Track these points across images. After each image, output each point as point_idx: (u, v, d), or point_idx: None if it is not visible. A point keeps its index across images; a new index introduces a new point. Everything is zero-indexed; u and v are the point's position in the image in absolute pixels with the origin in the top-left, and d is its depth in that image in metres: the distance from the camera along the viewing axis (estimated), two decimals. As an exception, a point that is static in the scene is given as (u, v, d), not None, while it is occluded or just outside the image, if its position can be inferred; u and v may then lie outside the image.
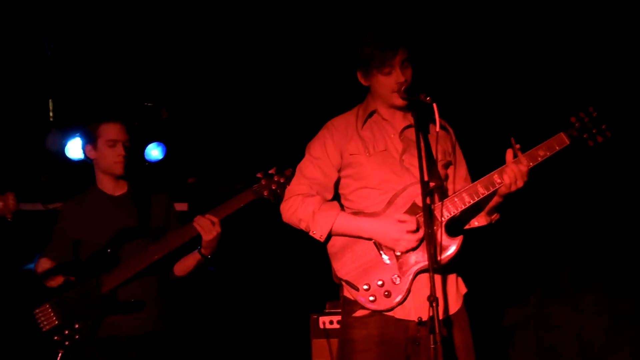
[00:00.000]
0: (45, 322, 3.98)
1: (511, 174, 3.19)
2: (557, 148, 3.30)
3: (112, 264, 4.01)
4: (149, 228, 4.13)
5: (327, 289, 5.34)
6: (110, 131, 4.13)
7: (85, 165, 5.74)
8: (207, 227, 3.97)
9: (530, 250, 5.72)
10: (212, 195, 5.87)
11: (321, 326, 4.94)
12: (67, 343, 3.94)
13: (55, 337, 3.95)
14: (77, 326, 3.96)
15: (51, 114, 6.04)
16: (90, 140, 4.17)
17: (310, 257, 5.67)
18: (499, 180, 3.23)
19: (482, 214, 3.38)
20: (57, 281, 4.01)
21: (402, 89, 3.27)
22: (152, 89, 6.02)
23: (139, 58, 5.79)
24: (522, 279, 5.72)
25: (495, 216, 3.42)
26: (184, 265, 4.24)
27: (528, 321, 5.77)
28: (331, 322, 4.93)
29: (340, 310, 4.83)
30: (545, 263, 5.76)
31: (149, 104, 5.98)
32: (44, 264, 4.05)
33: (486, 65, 5.41)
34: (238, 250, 4.20)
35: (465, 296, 3.42)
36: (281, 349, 5.83)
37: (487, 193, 3.25)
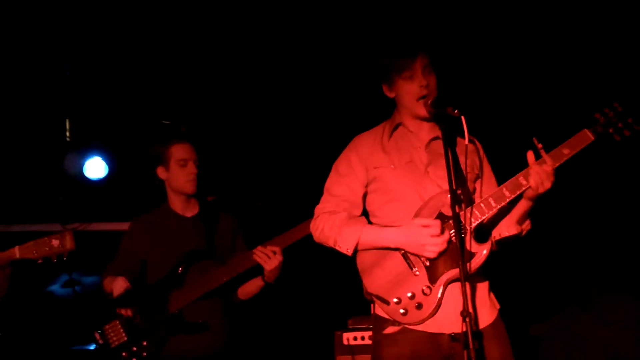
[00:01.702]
0: (114, 338, 4.06)
1: (536, 176, 3.10)
2: (582, 145, 3.20)
3: (180, 285, 4.10)
4: (216, 250, 4.22)
5: (350, 306, 5.33)
6: (181, 151, 4.23)
7: (103, 185, 5.81)
8: (266, 258, 4.10)
9: (557, 262, 5.66)
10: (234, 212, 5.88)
11: (345, 342, 4.89)
12: None
13: (123, 354, 4.04)
14: (144, 344, 4.04)
15: (68, 133, 6.04)
16: (161, 161, 4.26)
17: (335, 274, 5.70)
18: (524, 182, 3.15)
19: (513, 222, 3.28)
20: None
21: (429, 102, 3.24)
22: (170, 106, 6.02)
23: (155, 76, 5.78)
24: (548, 291, 5.65)
25: (526, 225, 3.33)
26: (247, 290, 4.37)
27: (554, 334, 5.68)
28: (355, 339, 4.88)
29: (364, 326, 4.93)
30: (572, 275, 5.69)
31: (167, 122, 5.98)
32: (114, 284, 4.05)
33: (504, 67, 5.39)
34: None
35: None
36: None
37: (513, 196, 3.18)
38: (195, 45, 5.59)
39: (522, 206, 3.24)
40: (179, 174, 4.22)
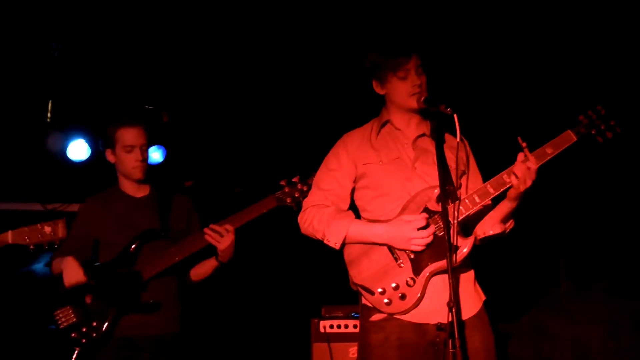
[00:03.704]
0: (63, 319, 4.00)
1: (519, 173, 3.19)
2: (565, 145, 3.31)
3: (132, 264, 4.06)
4: (170, 230, 4.17)
5: (324, 294, 5.43)
6: (128, 136, 4.15)
7: (86, 166, 5.82)
8: (217, 237, 4.05)
9: (526, 259, 5.75)
10: (211, 198, 5.93)
11: (322, 330, 5.00)
12: (84, 341, 3.96)
13: (73, 335, 3.98)
14: (95, 324, 3.97)
15: (49, 114, 6.04)
16: (109, 145, 4.20)
17: (311, 263, 5.79)
18: (508, 180, 3.25)
19: (497, 221, 3.38)
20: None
21: (422, 99, 3.35)
22: (153, 91, 6.03)
23: (140, 60, 5.79)
24: (518, 288, 5.74)
25: (509, 224, 3.43)
26: (201, 271, 4.30)
27: (524, 331, 5.76)
28: (331, 327, 4.99)
29: (339, 315, 5.04)
30: (541, 273, 5.78)
31: (150, 107, 6.00)
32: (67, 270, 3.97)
33: (493, 66, 5.46)
34: (239, 254, 4.26)
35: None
36: (283, 353, 5.86)
37: (496, 193, 3.28)
38: (180, 32, 5.59)
39: (506, 207, 3.33)
40: (125, 160, 4.15)
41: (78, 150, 5.76)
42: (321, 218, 3.46)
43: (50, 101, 5.95)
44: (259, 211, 4.15)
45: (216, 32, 5.56)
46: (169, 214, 4.23)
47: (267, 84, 5.95)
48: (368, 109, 3.68)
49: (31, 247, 3.37)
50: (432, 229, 3.25)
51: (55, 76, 5.76)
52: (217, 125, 6.23)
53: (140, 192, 4.28)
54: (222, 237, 4.03)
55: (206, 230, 4.07)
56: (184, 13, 5.41)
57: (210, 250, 4.16)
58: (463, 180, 3.53)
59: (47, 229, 3.37)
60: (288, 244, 5.80)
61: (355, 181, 3.53)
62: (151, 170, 4.30)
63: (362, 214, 3.54)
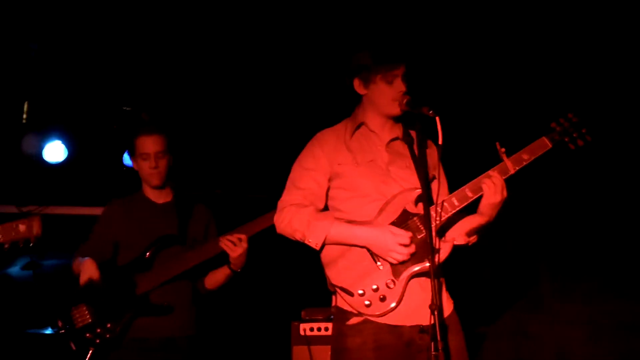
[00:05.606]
0: (79, 320, 4.08)
1: (497, 182, 3.25)
2: (541, 152, 3.37)
3: (149, 268, 4.16)
4: (187, 237, 4.27)
5: (304, 297, 5.41)
6: (144, 144, 4.25)
7: (62, 168, 5.77)
8: (231, 245, 4.14)
9: (507, 260, 5.78)
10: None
11: (302, 333, 4.99)
12: (98, 341, 4.04)
13: (87, 335, 4.05)
14: (109, 325, 4.06)
15: (24, 115, 5.98)
16: (132, 153, 4.33)
17: (290, 266, 5.77)
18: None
19: (462, 233, 3.41)
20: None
21: (404, 101, 3.34)
22: (131, 92, 6.00)
23: (119, 61, 5.75)
24: (499, 289, 5.77)
25: (473, 239, 3.46)
26: (214, 279, 4.38)
27: (505, 332, 5.78)
28: (312, 329, 4.98)
29: (319, 318, 5.03)
30: (522, 273, 5.81)
31: (128, 108, 5.96)
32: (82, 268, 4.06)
33: (472, 72, 5.50)
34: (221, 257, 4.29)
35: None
36: (263, 356, 5.84)
37: (475, 196, 3.31)
38: (160, 32, 5.56)
39: (475, 222, 3.38)
40: (142, 166, 4.27)
41: (54, 151, 5.72)
42: (301, 218, 3.42)
43: (26, 102, 5.90)
44: (269, 222, 4.16)
45: (196, 34, 5.54)
46: (188, 221, 4.33)
47: (246, 84, 5.94)
48: (340, 110, 3.67)
49: (6, 245, 3.31)
50: (412, 248, 3.25)
51: (31, 77, 5.71)
52: (195, 125, 6.20)
53: (161, 198, 4.38)
54: (235, 246, 4.13)
55: (221, 238, 4.17)
56: (163, 14, 5.38)
57: (224, 257, 4.23)
58: (434, 185, 3.48)
59: (22, 227, 3.29)
60: (267, 247, 5.78)
61: (329, 180, 3.50)
62: (174, 178, 4.40)
63: (335, 214, 3.49)
